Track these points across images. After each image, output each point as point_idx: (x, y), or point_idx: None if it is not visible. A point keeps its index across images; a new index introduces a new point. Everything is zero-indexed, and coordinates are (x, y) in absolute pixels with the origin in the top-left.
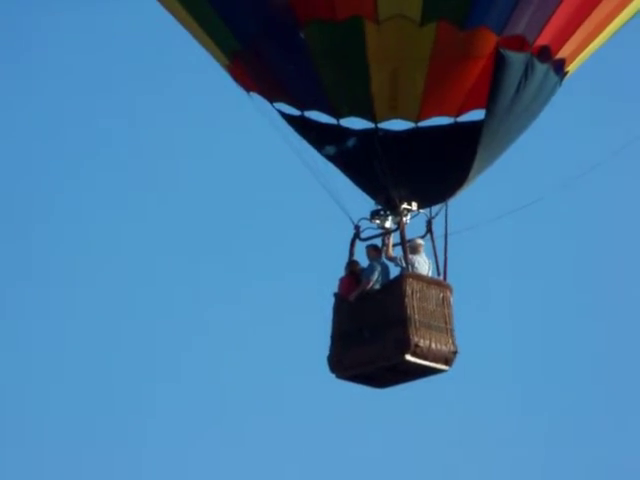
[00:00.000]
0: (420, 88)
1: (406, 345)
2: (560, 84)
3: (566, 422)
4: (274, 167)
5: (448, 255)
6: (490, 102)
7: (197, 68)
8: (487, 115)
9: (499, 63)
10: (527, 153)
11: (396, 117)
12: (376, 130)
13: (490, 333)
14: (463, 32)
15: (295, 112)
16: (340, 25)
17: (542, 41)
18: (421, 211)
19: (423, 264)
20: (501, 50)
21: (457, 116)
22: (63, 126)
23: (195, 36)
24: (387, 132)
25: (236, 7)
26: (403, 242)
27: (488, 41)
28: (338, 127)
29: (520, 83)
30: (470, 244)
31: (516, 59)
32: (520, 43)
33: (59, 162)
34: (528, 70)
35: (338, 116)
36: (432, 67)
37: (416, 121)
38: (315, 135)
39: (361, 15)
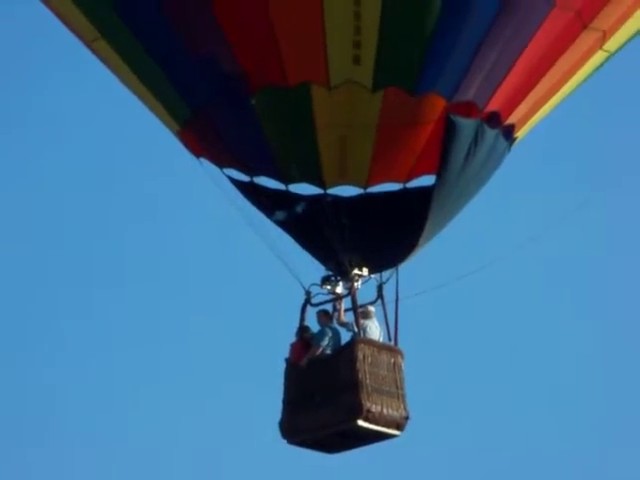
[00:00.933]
0: (369, 154)
1: (358, 410)
2: (509, 150)
3: None
4: (223, 232)
5: (399, 320)
6: (441, 168)
7: (147, 131)
8: (437, 181)
9: (449, 129)
10: (478, 217)
11: (345, 183)
12: (325, 196)
13: (441, 398)
14: (413, 98)
15: (244, 178)
16: (290, 90)
17: (492, 107)
18: (372, 276)
19: (375, 329)
20: (451, 116)
21: (406, 182)
22: None
23: (145, 101)
24: (336, 198)
25: (188, 74)
26: (354, 307)
27: (438, 107)
28: (287, 193)
29: (470, 149)
30: (421, 309)
31: (466, 125)
32: (470, 109)
33: None
34: (478, 136)
35: (287, 182)
36: (381, 133)
37: (365, 187)
38: (264, 201)
39: (312, 81)
